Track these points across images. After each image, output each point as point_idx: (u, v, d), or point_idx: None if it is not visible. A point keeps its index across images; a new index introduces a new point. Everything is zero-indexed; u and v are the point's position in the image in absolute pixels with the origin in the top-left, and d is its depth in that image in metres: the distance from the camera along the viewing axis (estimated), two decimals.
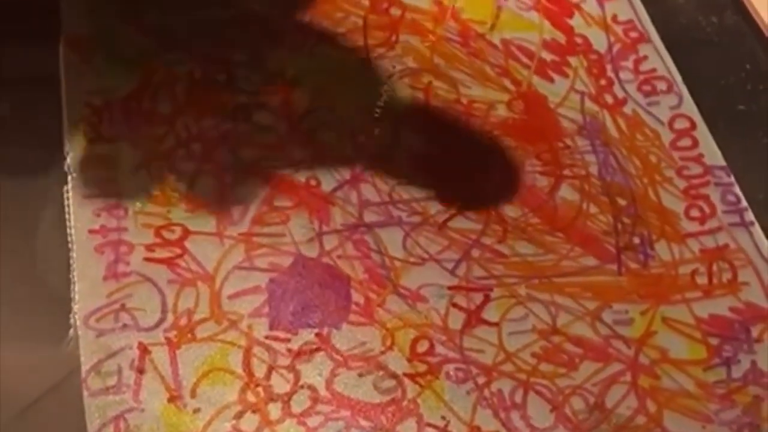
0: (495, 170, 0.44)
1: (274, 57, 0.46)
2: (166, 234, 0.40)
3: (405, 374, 0.37)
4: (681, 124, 0.46)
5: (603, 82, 0.47)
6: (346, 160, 0.43)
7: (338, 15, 0.48)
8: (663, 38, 0.49)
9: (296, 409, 0.36)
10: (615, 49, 0.49)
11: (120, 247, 0.39)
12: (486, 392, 0.37)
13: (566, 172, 0.44)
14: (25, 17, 0.45)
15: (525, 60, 0.48)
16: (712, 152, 0.45)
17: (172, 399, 0.36)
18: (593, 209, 0.43)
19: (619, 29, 0.49)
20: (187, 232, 0.40)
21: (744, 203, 0.43)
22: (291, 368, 0.37)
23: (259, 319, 0.38)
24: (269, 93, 0.45)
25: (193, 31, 0.46)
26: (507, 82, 0.47)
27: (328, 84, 0.45)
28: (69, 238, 0.39)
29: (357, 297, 0.39)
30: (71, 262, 0.38)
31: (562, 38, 0.49)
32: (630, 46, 0.49)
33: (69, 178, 0.41)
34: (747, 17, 0.50)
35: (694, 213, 0.43)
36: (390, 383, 0.37)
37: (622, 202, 0.43)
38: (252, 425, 0.36)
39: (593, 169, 0.44)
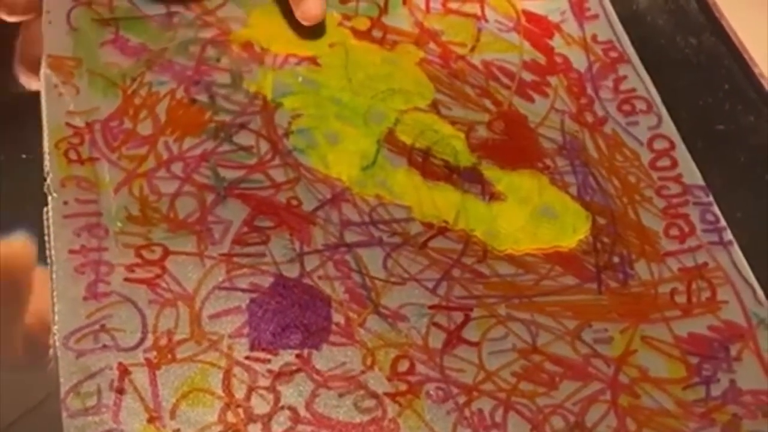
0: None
1: (255, 78, 0.46)
2: (146, 254, 0.40)
3: (385, 394, 0.37)
4: (660, 144, 0.46)
5: (583, 100, 0.48)
6: (327, 180, 0.43)
7: (320, 36, 0.48)
8: (642, 59, 0.49)
9: (276, 429, 0.36)
10: (595, 68, 0.49)
11: (100, 267, 0.39)
12: (466, 411, 0.37)
13: None
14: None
15: (505, 80, 0.48)
16: (690, 172, 0.45)
17: (151, 420, 0.36)
18: None
19: (598, 49, 0.50)
20: (167, 252, 0.40)
21: (723, 222, 0.43)
22: (271, 389, 0.37)
23: (239, 340, 0.38)
24: (250, 113, 0.45)
25: (174, 51, 0.46)
26: (488, 103, 0.47)
27: (308, 105, 0.46)
28: (48, 259, 0.39)
29: (337, 317, 0.39)
30: (51, 282, 0.38)
31: (542, 58, 0.49)
32: (610, 65, 0.49)
33: (49, 198, 0.41)
34: (725, 38, 0.51)
35: (674, 232, 0.43)
36: (370, 403, 0.37)
37: (601, 221, 0.43)
38: None
39: (573, 190, 0.44)
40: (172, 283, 0.39)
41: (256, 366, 0.37)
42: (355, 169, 0.44)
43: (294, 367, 0.37)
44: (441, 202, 0.43)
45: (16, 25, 0.47)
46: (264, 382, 0.37)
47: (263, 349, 0.38)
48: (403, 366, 0.38)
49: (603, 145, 0.46)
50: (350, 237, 0.41)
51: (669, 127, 0.47)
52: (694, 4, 0.53)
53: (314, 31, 0.49)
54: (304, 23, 0.47)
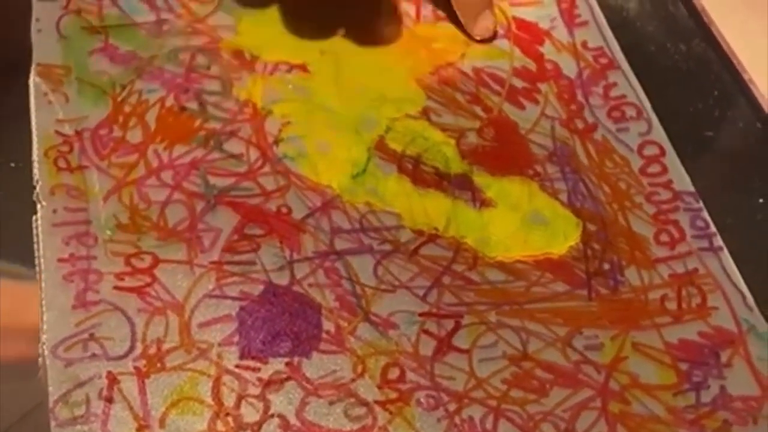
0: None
1: (245, 85, 0.46)
2: (135, 262, 0.40)
3: (376, 401, 0.37)
4: (650, 151, 0.46)
5: (573, 107, 0.48)
6: (317, 188, 0.43)
7: (310, 44, 0.48)
8: (632, 65, 0.49)
9: None
10: (585, 74, 0.49)
11: (89, 276, 0.39)
12: (457, 419, 0.37)
13: None
14: None
15: (496, 87, 0.48)
16: (680, 178, 0.45)
17: (140, 429, 0.35)
18: None
19: (588, 55, 0.50)
20: (157, 261, 0.40)
21: (713, 228, 0.43)
22: (261, 397, 0.37)
23: (229, 348, 0.38)
24: (240, 121, 0.45)
25: (164, 59, 0.46)
26: (478, 110, 0.47)
27: (299, 112, 0.46)
28: (37, 267, 0.39)
29: (328, 325, 0.39)
30: (40, 291, 0.38)
31: (532, 65, 0.49)
32: (600, 72, 0.49)
33: (38, 206, 0.40)
34: (715, 45, 0.51)
35: (664, 238, 0.43)
36: (361, 411, 0.37)
37: (591, 227, 0.43)
38: None
39: (563, 196, 0.44)
40: (162, 292, 0.39)
41: (246, 374, 0.37)
42: (345, 177, 0.44)
43: (284, 375, 0.37)
44: (431, 209, 0.43)
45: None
46: (254, 390, 0.37)
47: (253, 357, 0.38)
48: (394, 374, 0.38)
49: (593, 151, 0.46)
50: (340, 244, 0.41)
51: (659, 134, 0.47)
52: (683, 11, 0.53)
53: (305, 39, 0.49)
54: (478, 38, 0.49)
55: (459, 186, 0.44)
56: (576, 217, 0.43)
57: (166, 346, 0.37)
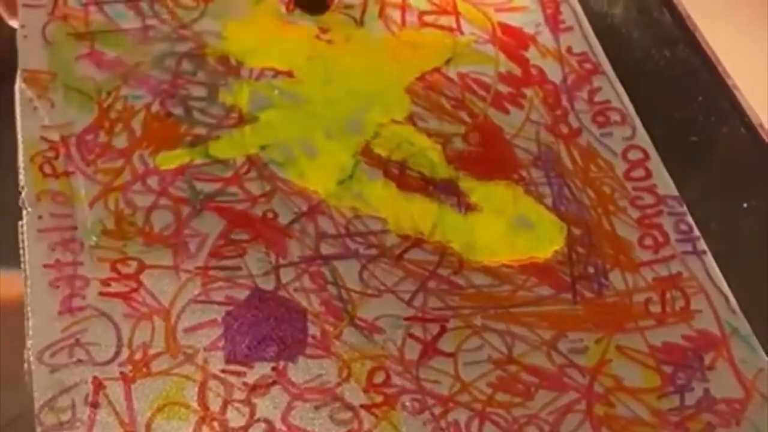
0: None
1: (231, 91, 0.46)
2: (121, 268, 0.40)
3: (361, 405, 0.37)
4: (634, 155, 0.46)
5: (558, 111, 0.48)
6: (303, 193, 0.43)
7: (296, 50, 0.49)
8: (617, 70, 0.50)
9: None
10: (570, 79, 0.49)
11: (75, 282, 0.39)
12: (442, 423, 0.37)
13: None
14: None
15: (481, 92, 0.48)
16: (665, 182, 0.45)
17: None
18: None
19: (573, 60, 0.50)
20: (143, 266, 0.40)
21: (696, 232, 0.44)
22: (247, 402, 0.37)
23: (215, 353, 0.38)
24: (226, 126, 0.45)
25: (150, 65, 0.46)
26: (463, 115, 0.47)
27: (285, 117, 0.46)
28: (23, 273, 0.39)
29: (314, 329, 0.39)
30: (25, 297, 0.38)
31: (517, 70, 0.49)
32: (584, 77, 0.49)
33: (24, 212, 0.40)
34: (699, 50, 0.51)
35: (648, 242, 0.43)
36: (346, 415, 0.37)
37: (576, 232, 0.43)
38: None
39: (548, 200, 0.44)
40: (148, 297, 0.39)
41: (232, 379, 0.37)
42: (331, 182, 0.44)
43: (270, 380, 0.37)
44: (417, 213, 0.43)
45: None
46: (239, 395, 0.37)
47: (239, 362, 0.38)
48: (379, 378, 0.38)
49: (578, 156, 0.46)
50: (326, 249, 0.41)
51: (643, 138, 0.47)
52: (668, 17, 0.53)
53: (291, 45, 0.49)
54: None
55: (445, 191, 0.44)
56: (561, 221, 0.44)
57: (152, 351, 0.37)
